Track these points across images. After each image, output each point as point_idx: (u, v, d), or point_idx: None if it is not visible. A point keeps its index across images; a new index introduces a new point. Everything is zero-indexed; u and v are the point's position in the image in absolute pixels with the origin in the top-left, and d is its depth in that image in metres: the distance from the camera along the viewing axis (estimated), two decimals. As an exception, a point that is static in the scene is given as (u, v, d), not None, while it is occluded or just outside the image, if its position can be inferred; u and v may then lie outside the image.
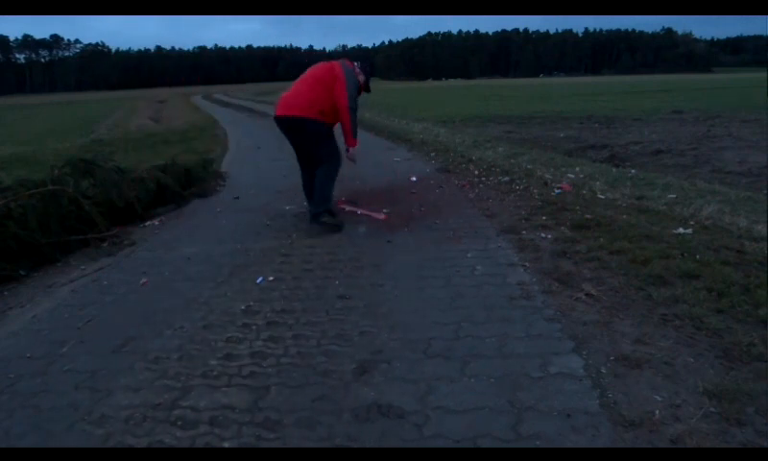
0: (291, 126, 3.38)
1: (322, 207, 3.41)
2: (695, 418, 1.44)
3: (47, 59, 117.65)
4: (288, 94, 3.45)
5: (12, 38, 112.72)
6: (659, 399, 1.53)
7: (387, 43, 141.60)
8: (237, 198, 4.50)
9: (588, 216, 3.37)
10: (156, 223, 3.82)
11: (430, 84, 66.10)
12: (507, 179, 4.75)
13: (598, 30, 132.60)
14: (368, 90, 3.65)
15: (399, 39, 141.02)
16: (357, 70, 3.53)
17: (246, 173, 5.67)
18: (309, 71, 3.53)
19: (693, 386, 1.58)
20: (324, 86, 3.35)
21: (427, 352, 1.85)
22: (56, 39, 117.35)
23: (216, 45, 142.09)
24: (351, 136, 3.51)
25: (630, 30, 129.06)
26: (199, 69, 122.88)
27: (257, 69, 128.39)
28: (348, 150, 3.53)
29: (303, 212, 3.88)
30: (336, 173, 3.50)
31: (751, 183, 5.05)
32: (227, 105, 22.64)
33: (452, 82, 73.06)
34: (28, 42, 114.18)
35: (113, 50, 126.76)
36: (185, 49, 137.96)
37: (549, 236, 3.05)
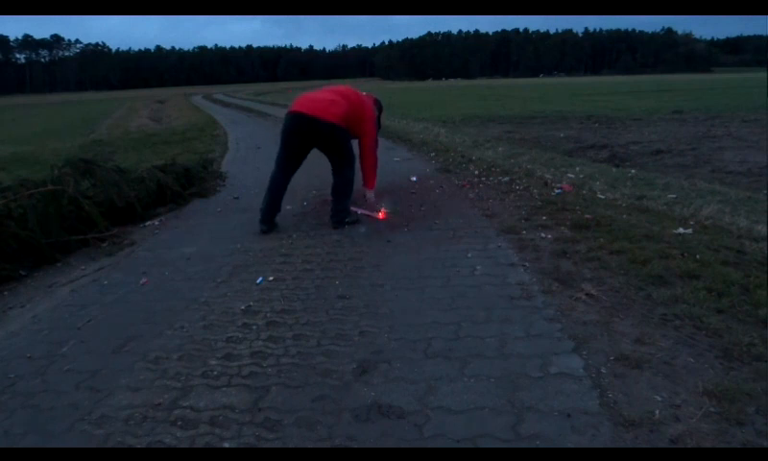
0: (311, 128, 3.26)
1: (343, 216, 3.44)
2: (695, 418, 1.44)
3: (47, 59, 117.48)
4: (310, 96, 3.43)
5: (12, 38, 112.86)
6: (659, 399, 1.53)
7: (387, 43, 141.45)
8: (237, 198, 4.50)
9: (588, 216, 3.37)
10: (156, 223, 3.82)
11: (430, 83, 66.06)
12: (507, 179, 4.75)
13: (598, 30, 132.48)
14: (379, 127, 3.75)
15: (399, 39, 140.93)
16: (374, 107, 3.65)
17: (246, 173, 5.66)
18: (332, 87, 3.57)
19: (693, 386, 1.58)
20: (350, 105, 3.37)
21: (427, 352, 1.85)
22: (56, 39, 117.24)
23: (216, 45, 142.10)
24: (372, 177, 3.60)
25: (630, 30, 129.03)
26: (199, 69, 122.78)
27: (257, 69, 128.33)
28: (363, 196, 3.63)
29: (303, 213, 3.88)
30: (353, 177, 3.49)
31: (751, 183, 5.06)
32: (227, 105, 22.62)
33: (452, 81, 72.94)
34: (28, 42, 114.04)
35: (113, 50, 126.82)
36: (185, 49, 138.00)
37: (549, 236, 3.05)
